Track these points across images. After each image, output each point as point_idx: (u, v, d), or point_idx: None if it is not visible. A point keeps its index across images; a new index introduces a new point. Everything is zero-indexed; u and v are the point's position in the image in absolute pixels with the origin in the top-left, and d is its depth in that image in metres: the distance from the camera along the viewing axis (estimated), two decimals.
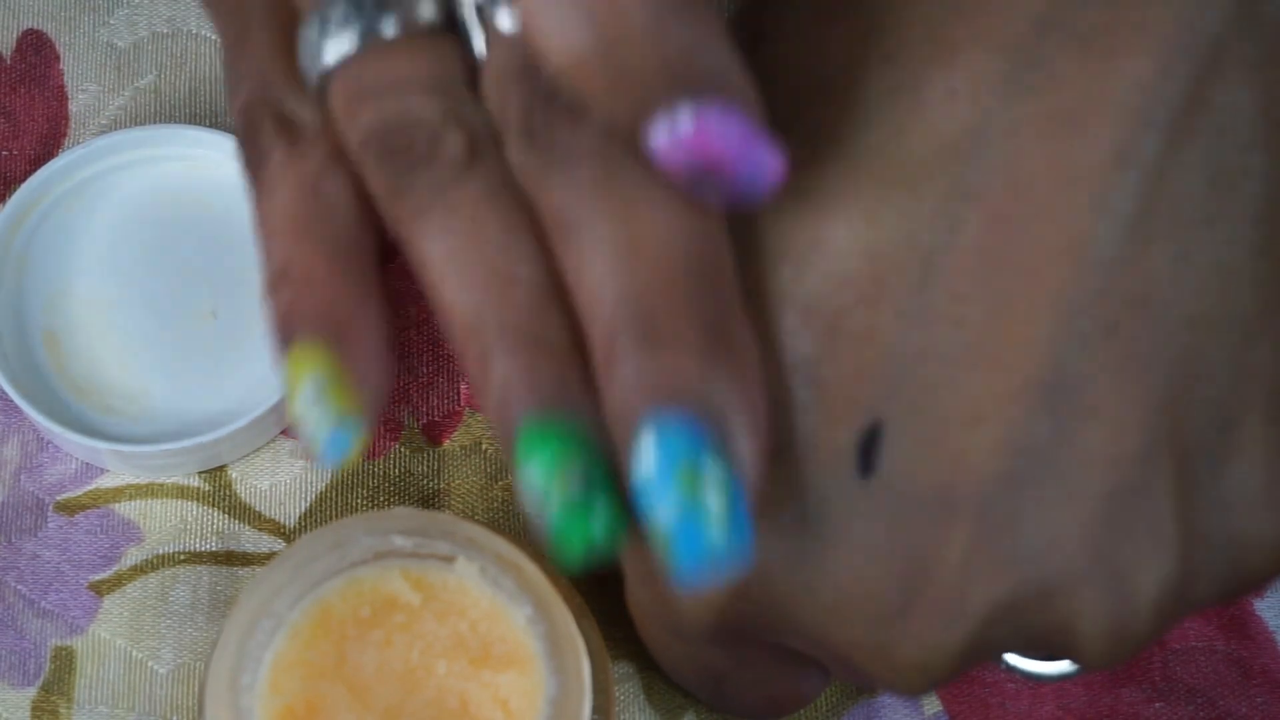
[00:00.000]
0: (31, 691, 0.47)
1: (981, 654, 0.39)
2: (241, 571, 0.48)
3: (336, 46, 0.38)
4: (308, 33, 0.39)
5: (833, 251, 0.38)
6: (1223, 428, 0.38)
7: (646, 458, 0.35)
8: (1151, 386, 0.38)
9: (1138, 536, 0.38)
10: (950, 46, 0.38)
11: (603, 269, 0.36)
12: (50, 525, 0.48)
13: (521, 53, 0.37)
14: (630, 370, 0.36)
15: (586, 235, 0.36)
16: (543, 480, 0.36)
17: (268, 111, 0.40)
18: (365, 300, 0.39)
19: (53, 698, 0.47)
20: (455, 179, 0.38)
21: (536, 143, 0.37)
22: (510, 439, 0.37)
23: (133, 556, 0.48)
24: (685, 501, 0.35)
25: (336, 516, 0.49)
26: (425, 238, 0.38)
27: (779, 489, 0.38)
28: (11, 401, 0.49)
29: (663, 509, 0.35)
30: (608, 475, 0.36)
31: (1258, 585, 0.40)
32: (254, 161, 0.40)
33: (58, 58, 0.53)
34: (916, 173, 0.38)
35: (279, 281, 0.39)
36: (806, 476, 0.38)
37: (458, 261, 0.37)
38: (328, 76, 0.39)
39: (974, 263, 0.37)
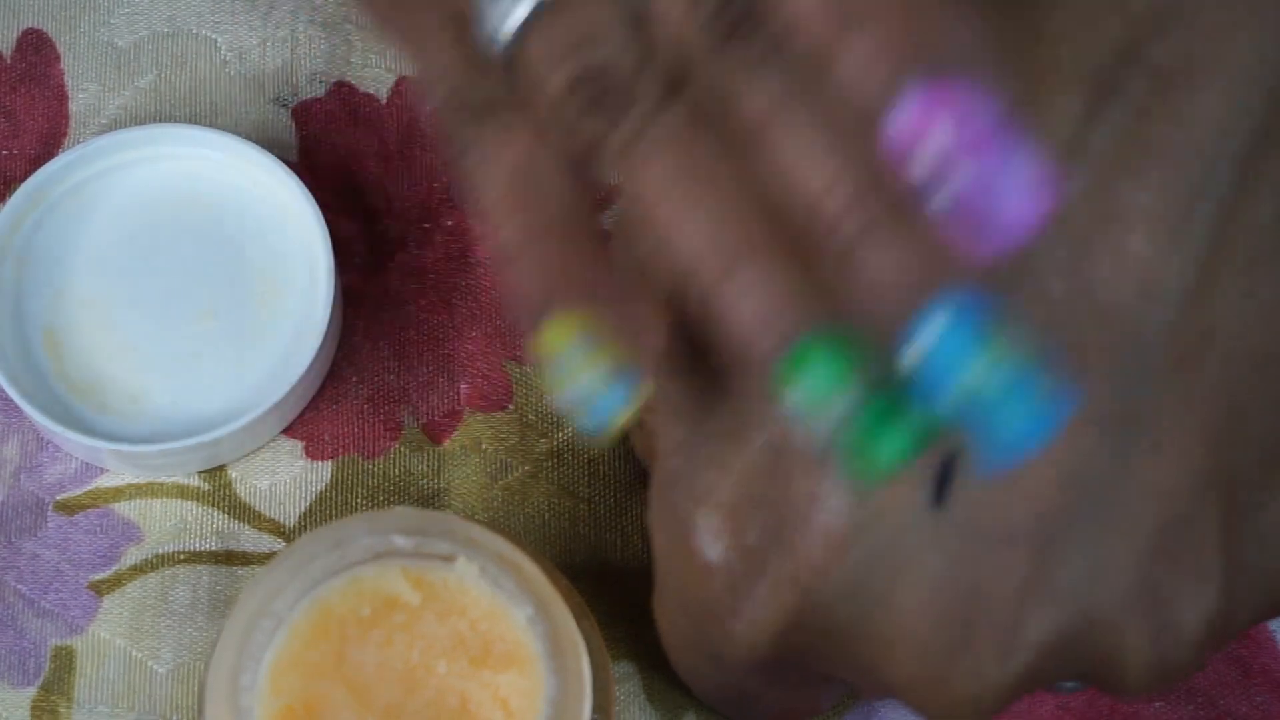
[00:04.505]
0: (31, 691, 0.47)
1: (1032, 687, 0.39)
2: (241, 571, 0.48)
3: (517, 11, 0.38)
4: (485, 7, 0.39)
5: None
6: (1268, 462, 0.39)
7: (941, 340, 0.33)
8: (1210, 420, 0.38)
9: (1183, 569, 0.38)
10: (1030, 76, 0.38)
11: (827, 165, 0.34)
12: (50, 525, 0.48)
13: None
14: (889, 258, 0.34)
15: (794, 133, 0.35)
16: (822, 399, 0.34)
17: (464, 103, 0.40)
18: (604, 265, 0.38)
19: (52, 697, 0.47)
20: (659, 111, 0.37)
21: (727, 54, 0.36)
22: (769, 363, 0.35)
23: (132, 556, 0.48)
24: (998, 367, 0.33)
25: (336, 516, 0.49)
26: (637, 176, 0.37)
27: (853, 522, 0.38)
28: (11, 401, 0.49)
29: (971, 381, 0.33)
30: (883, 380, 0.34)
31: None
32: (463, 153, 0.40)
33: (58, 57, 0.53)
34: None
35: (517, 261, 0.38)
36: (883, 504, 0.38)
37: (673, 192, 0.36)
38: (513, 49, 0.38)
39: (1047, 297, 0.37)
